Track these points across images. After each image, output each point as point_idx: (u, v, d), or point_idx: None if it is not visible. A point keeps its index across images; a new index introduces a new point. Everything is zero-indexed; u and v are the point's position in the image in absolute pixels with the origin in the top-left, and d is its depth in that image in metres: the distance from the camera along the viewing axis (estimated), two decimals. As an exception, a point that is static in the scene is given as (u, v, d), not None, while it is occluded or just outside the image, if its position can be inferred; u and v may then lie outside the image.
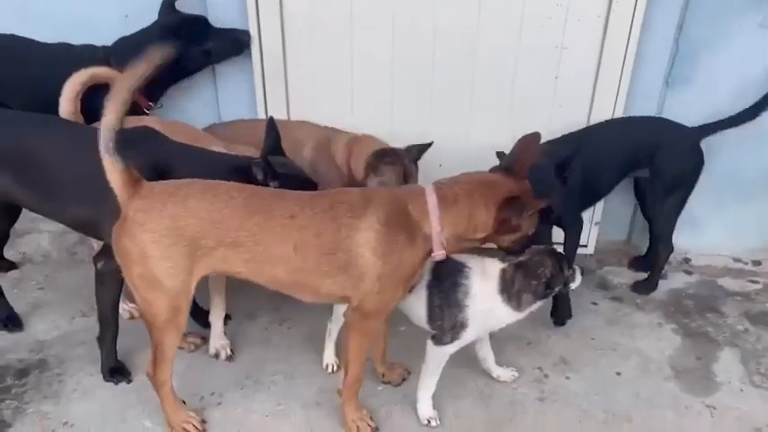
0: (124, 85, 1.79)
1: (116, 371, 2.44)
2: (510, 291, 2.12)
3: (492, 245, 2.14)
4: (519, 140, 2.11)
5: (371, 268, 1.92)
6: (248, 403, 2.36)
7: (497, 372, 2.49)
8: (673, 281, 3.13)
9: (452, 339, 2.18)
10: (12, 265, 3.05)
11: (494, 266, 2.16)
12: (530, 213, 2.00)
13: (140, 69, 1.80)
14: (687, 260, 3.29)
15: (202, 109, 3.20)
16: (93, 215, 2.18)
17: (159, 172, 2.13)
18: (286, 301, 2.73)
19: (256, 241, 1.90)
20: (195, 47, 2.94)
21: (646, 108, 2.97)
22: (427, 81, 3.07)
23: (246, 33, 3.00)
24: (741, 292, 3.10)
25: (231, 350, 2.59)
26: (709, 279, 3.19)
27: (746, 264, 3.29)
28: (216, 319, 2.58)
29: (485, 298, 2.14)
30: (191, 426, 2.19)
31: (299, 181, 2.28)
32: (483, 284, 2.14)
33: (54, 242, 3.26)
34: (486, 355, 2.47)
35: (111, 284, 2.28)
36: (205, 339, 2.60)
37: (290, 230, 1.90)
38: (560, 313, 2.77)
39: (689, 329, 2.82)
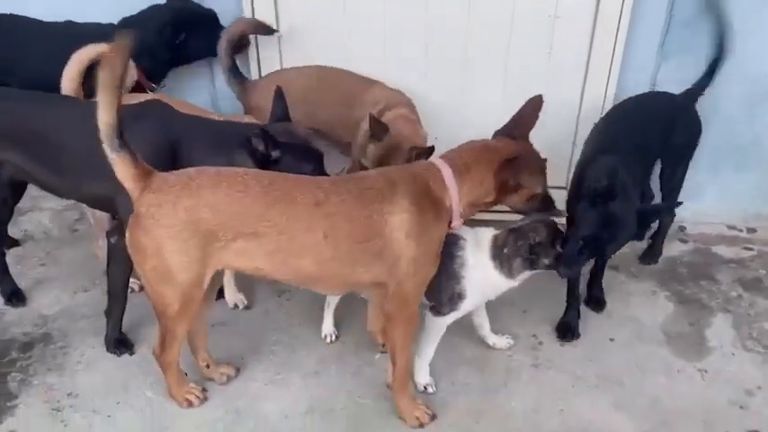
0: (109, 79, 1.71)
1: (120, 343, 2.48)
2: (501, 256, 2.16)
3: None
4: (525, 103, 2.13)
5: (406, 251, 1.93)
6: (248, 373, 2.41)
7: (493, 339, 2.53)
8: (668, 249, 3.14)
9: (450, 310, 2.22)
10: (14, 243, 3.09)
11: (486, 234, 2.19)
12: (528, 173, 2.04)
13: (116, 62, 1.71)
14: (682, 228, 3.31)
15: (197, 83, 3.22)
16: (109, 191, 2.16)
17: (172, 145, 2.16)
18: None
19: (280, 231, 1.86)
20: (201, 41, 2.94)
21: (640, 79, 2.96)
22: (421, 53, 3.07)
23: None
24: (735, 259, 3.13)
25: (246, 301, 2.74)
26: (704, 247, 3.21)
27: (741, 231, 3.31)
28: (227, 277, 2.67)
29: (479, 267, 2.18)
30: (192, 396, 2.24)
31: (303, 150, 2.27)
32: (477, 254, 2.18)
33: (55, 219, 3.30)
34: (482, 322, 2.51)
35: (123, 260, 2.27)
36: (239, 370, 2.47)
37: (318, 218, 1.87)
38: (593, 298, 2.78)
39: (683, 296, 2.86)
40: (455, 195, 1.99)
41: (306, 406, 2.28)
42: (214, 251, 1.87)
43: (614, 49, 2.93)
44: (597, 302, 2.78)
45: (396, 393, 2.21)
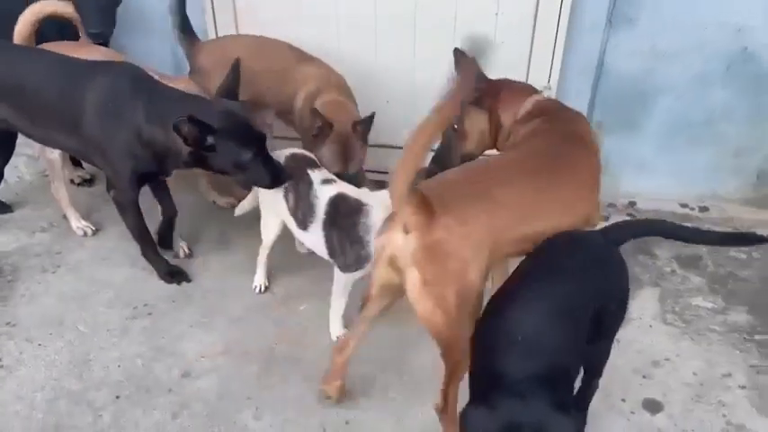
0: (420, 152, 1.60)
1: (174, 274, 2.70)
2: None
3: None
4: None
5: None
6: (177, 314, 2.55)
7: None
8: (616, 223, 3.15)
9: (357, 269, 2.29)
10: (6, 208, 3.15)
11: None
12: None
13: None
14: (633, 204, 3.30)
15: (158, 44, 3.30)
16: (83, 143, 2.40)
17: (132, 107, 2.29)
18: (230, 226, 2.92)
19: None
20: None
21: (588, 47, 2.93)
22: (371, 16, 3.07)
23: None
24: (679, 237, 3.11)
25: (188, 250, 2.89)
26: (651, 223, 3.20)
27: (693, 209, 3.28)
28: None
29: None
30: None
31: (243, 135, 2.24)
32: (384, 216, 2.22)
33: (29, 164, 3.46)
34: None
35: (129, 209, 2.54)
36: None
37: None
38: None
39: (617, 269, 2.88)
40: None
41: (222, 347, 2.41)
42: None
43: (559, 17, 2.88)
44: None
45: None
